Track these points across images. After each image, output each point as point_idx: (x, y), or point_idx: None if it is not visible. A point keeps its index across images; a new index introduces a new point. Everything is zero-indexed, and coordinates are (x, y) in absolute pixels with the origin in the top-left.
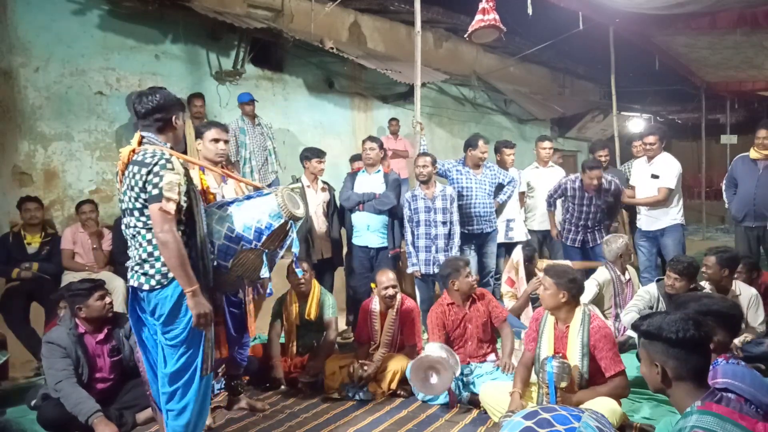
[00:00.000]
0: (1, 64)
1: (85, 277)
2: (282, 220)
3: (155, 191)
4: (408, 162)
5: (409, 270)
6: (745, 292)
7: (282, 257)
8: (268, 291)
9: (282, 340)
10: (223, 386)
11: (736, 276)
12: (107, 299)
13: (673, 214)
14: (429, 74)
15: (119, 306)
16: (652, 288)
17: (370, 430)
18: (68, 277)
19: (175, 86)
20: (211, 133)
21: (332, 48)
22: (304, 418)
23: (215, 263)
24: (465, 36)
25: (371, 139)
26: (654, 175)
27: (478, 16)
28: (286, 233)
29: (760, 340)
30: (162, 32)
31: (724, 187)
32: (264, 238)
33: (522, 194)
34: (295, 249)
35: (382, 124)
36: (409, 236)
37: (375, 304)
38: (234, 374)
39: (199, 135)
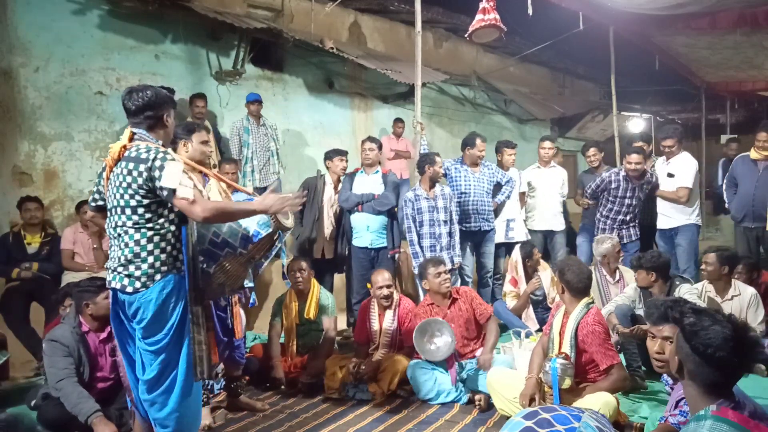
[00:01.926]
0: (1, 64)
1: (94, 276)
2: (270, 229)
3: (169, 182)
4: (409, 163)
5: (417, 270)
6: (744, 292)
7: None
8: (251, 301)
9: (282, 339)
10: (222, 386)
11: (736, 276)
12: None
13: (688, 214)
14: (429, 74)
15: None
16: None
17: (370, 430)
18: (68, 277)
19: (175, 86)
20: (201, 135)
21: (332, 48)
22: (304, 418)
23: (204, 266)
24: (466, 36)
25: (370, 139)
26: (670, 174)
27: (479, 16)
28: (272, 243)
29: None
30: (162, 32)
31: (724, 187)
32: (250, 246)
33: (522, 194)
34: (283, 260)
35: (382, 124)
36: (414, 236)
37: (373, 305)
38: (233, 375)
39: (180, 137)
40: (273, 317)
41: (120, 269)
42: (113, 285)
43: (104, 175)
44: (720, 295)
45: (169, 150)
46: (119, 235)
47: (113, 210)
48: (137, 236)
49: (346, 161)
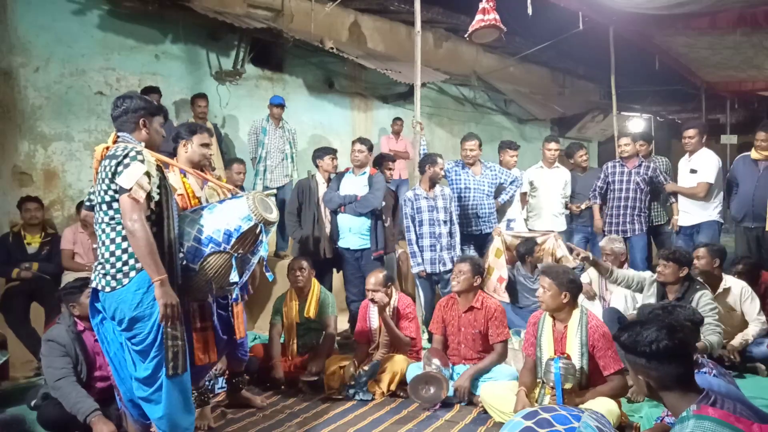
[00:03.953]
0: (1, 64)
1: (80, 276)
2: (251, 223)
3: (125, 181)
4: (408, 163)
5: (415, 270)
6: (735, 285)
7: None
8: (233, 297)
9: (282, 339)
10: (223, 385)
11: (735, 275)
12: None
13: (710, 210)
14: (429, 74)
15: None
16: (651, 278)
17: (370, 430)
18: (68, 277)
19: (175, 86)
20: (203, 138)
21: (332, 48)
22: (304, 418)
23: (183, 262)
24: (465, 36)
25: (361, 141)
26: (693, 169)
27: (479, 16)
28: (256, 237)
29: (760, 339)
30: (162, 32)
31: (725, 187)
32: (233, 240)
33: (524, 194)
34: (264, 253)
35: (382, 124)
36: (413, 236)
37: (372, 305)
38: (236, 371)
39: (182, 137)
40: (273, 316)
41: (98, 268)
42: (92, 284)
43: (93, 176)
44: (711, 290)
45: (145, 152)
46: (99, 233)
47: (96, 207)
48: (113, 234)
49: (337, 159)
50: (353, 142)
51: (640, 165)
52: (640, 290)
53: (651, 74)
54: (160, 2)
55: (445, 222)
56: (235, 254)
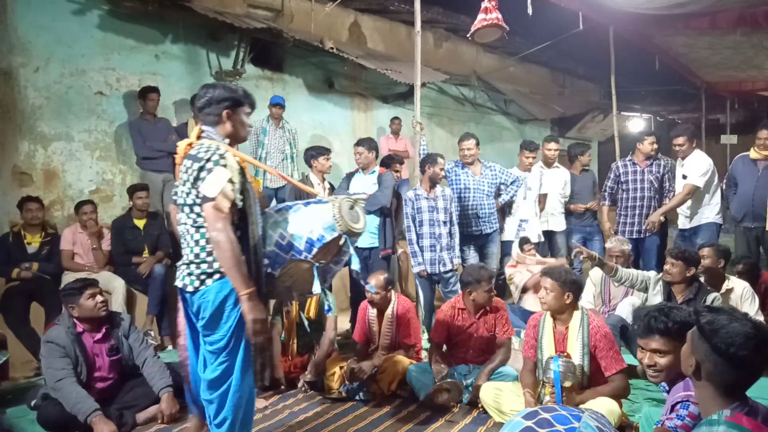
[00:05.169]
0: (1, 64)
1: (80, 277)
2: (335, 234)
3: (208, 189)
4: (408, 162)
5: (416, 270)
6: (738, 285)
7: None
8: (326, 308)
9: (282, 339)
10: None
11: (736, 275)
12: (99, 298)
13: (707, 213)
14: (429, 74)
15: (119, 306)
16: (656, 276)
17: (370, 430)
18: (68, 278)
19: (175, 86)
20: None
21: (332, 48)
22: (304, 418)
23: (268, 270)
24: (468, 36)
25: (358, 143)
26: (684, 175)
27: (481, 15)
28: (339, 248)
29: None
30: (162, 32)
31: (724, 187)
32: (315, 250)
33: (543, 196)
34: (355, 266)
35: (381, 124)
36: (413, 236)
37: (372, 306)
38: None
39: None
40: (273, 316)
41: (183, 268)
42: (176, 283)
43: (175, 172)
44: (715, 290)
45: (227, 154)
46: (184, 234)
47: (181, 208)
48: (197, 236)
49: (330, 159)
50: (354, 146)
51: (652, 164)
52: (645, 289)
53: (651, 74)
54: (160, 2)
55: (445, 222)
56: (317, 263)
